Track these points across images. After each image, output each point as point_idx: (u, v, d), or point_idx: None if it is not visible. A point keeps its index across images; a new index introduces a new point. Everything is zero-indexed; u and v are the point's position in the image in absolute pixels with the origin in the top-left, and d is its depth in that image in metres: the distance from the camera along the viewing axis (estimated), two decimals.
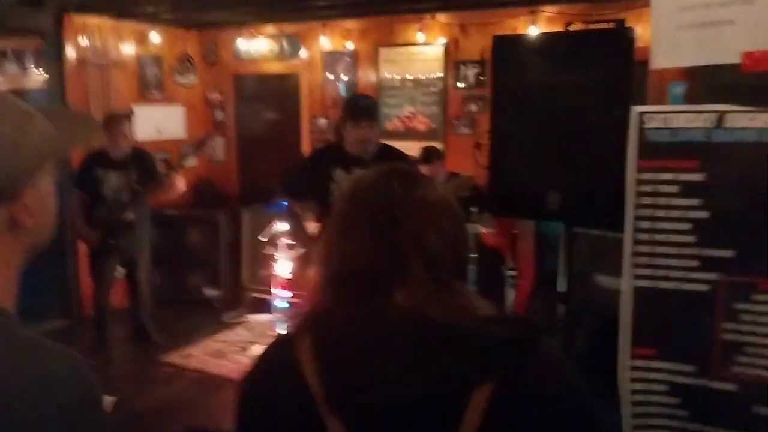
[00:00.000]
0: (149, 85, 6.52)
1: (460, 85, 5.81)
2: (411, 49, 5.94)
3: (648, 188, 0.89)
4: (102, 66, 6.01)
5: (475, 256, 4.26)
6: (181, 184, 4.86)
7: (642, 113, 0.88)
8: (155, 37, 6.41)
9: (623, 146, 2.68)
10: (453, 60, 5.81)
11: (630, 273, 0.90)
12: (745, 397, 0.87)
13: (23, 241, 0.90)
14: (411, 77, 5.99)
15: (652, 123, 0.88)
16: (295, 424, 0.96)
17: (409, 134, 5.99)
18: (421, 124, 5.98)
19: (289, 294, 5.44)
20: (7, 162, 0.83)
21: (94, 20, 5.95)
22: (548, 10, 5.37)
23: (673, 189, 0.88)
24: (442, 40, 5.82)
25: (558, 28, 5.34)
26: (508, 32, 5.52)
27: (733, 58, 0.84)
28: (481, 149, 5.58)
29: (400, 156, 3.53)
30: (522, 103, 2.70)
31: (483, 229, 4.42)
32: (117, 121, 4.80)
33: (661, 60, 0.88)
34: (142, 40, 6.41)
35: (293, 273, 5.30)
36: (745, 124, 0.85)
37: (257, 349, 5.09)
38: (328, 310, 1.00)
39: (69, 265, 5.70)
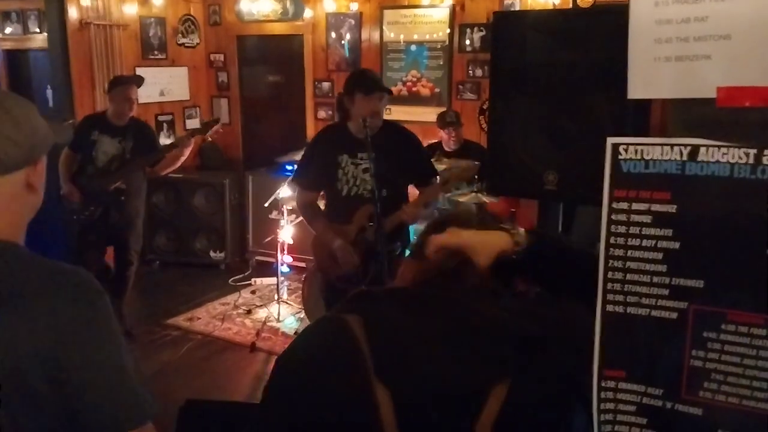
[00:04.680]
0: (152, 46, 6.47)
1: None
2: (416, 11, 5.83)
3: (622, 217, 0.90)
4: (104, 27, 5.96)
5: None
6: (186, 152, 4.59)
7: (616, 145, 0.89)
8: None
9: (623, 125, 2.67)
10: (459, 23, 5.70)
11: (602, 298, 0.92)
12: (710, 421, 0.90)
13: (30, 201, 1.24)
14: (416, 40, 5.89)
15: (626, 154, 0.89)
16: (344, 391, 1.05)
17: (413, 99, 5.91)
18: (425, 89, 5.90)
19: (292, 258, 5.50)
20: (32, 140, 1.21)
21: None
22: None
23: (646, 219, 0.89)
24: (447, 2, 5.70)
25: None
26: None
27: (709, 92, 0.84)
28: (486, 115, 5.53)
29: (407, 135, 3.48)
30: (521, 81, 2.67)
31: (487, 200, 4.42)
32: (123, 84, 4.59)
33: (637, 90, 0.88)
34: (144, 1, 6.33)
35: (296, 238, 5.34)
36: (718, 158, 0.85)
37: (263, 313, 5.23)
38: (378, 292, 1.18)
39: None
